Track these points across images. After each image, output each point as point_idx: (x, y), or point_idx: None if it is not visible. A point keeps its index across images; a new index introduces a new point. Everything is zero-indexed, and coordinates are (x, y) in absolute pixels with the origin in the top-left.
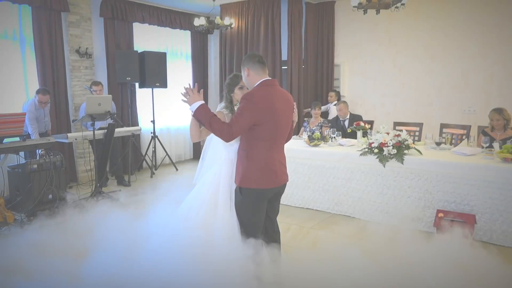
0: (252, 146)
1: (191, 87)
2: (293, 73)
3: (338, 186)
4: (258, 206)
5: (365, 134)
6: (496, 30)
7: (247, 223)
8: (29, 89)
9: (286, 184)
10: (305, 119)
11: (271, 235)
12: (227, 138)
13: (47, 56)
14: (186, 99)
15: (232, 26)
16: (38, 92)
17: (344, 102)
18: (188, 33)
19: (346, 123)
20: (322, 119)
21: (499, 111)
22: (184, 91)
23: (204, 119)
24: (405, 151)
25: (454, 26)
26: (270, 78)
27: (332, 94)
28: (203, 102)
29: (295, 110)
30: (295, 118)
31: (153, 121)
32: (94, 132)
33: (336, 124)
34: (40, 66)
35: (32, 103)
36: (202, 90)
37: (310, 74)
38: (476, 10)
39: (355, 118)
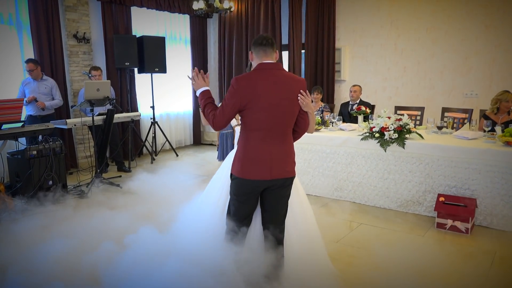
0: (242, 134)
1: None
2: (296, 57)
3: (339, 171)
4: (240, 195)
5: (366, 119)
6: (498, 12)
7: (230, 210)
8: (26, 75)
9: (283, 179)
10: None
11: (276, 236)
12: (212, 125)
13: (44, 41)
14: (193, 83)
15: (232, 9)
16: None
17: (359, 85)
18: (187, 17)
19: (355, 107)
20: (323, 104)
21: None
22: (191, 75)
23: (201, 104)
24: (407, 136)
25: (456, 9)
26: (270, 61)
27: (317, 94)
28: (207, 88)
29: (303, 98)
30: (305, 108)
31: (152, 107)
32: (93, 118)
33: (345, 108)
34: (37, 51)
35: (26, 79)
36: (208, 74)
37: (310, 58)
38: None
39: (363, 104)
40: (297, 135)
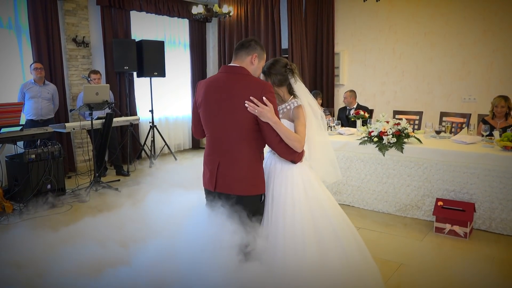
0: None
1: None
2: (294, 62)
3: None
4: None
5: (364, 123)
6: (496, 17)
7: None
8: (26, 78)
9: (228, 195)
10: None
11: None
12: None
13: (43, 45)
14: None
15: (231, 14)
16: (32, 64)
17: (351, 91)
18: (186, 22)
19: (352, 112)
20: (322, 108)
21: (505, 98)
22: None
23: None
24: (405, 140)
25: (455, 13)
26: (233, 64)
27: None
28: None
29: (252, 106)
30: (261, 117)
31: (151, 111)
32: (92, 122)
33: (342, 113)
34: (36, 55)
35: (27, 82)
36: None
37: (310, 63)
38: None
39: (361, 109)
40: (278, 153)
